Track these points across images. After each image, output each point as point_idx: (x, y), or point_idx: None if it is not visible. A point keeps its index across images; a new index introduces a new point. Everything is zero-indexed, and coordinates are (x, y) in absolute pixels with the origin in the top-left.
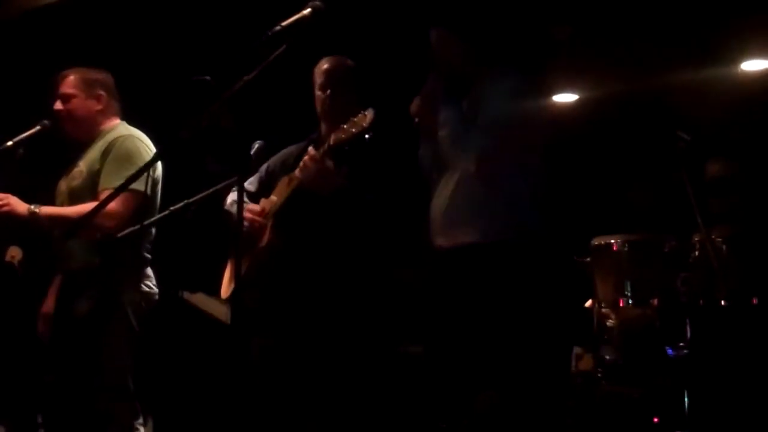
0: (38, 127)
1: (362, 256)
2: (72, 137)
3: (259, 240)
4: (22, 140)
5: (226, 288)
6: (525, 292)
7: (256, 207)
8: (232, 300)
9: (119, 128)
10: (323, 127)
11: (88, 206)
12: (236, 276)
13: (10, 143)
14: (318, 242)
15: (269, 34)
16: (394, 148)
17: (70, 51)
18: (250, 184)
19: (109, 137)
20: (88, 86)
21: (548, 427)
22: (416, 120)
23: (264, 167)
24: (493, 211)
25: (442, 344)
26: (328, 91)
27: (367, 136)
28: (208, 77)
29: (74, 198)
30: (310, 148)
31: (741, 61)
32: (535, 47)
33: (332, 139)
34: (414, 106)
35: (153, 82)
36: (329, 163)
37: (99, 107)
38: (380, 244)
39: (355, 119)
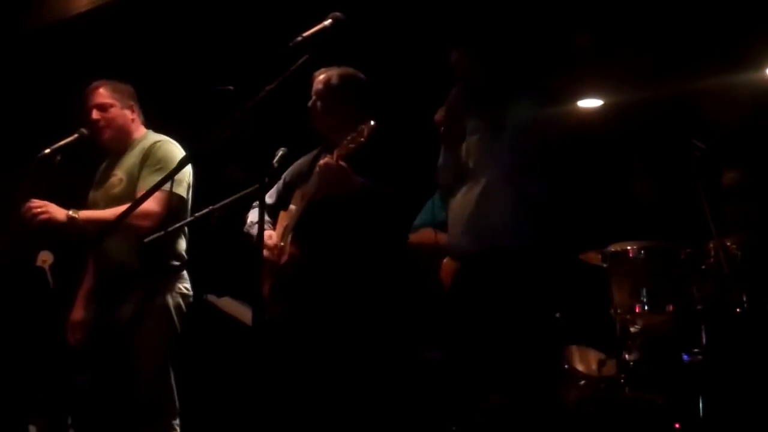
0: (76, 135)
1: (386, 255)
2: (106, 146)
3: (280, 257)
4: (59, 148)
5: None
6: (541, 296)
7: (271, 237)
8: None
9: (150, 135)
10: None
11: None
12: (256, 293)
13: (47, 151)
14: (340, 248)
15: (291, 44)
16: (408, 147)
17: (97, 59)
18: (270, 196)
19: (144, 144)
20: (122, 96)
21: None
22: (440, 129)
23: (281, 180)
24: (513, 217)
25: (460, 347)
26: (315, 103)
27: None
28: (230, 87)
29: (114, 205)
30: (324, 156)
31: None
32: (553, 58)
33: (336, 154)
34: (438, 115)
35: (177, 91)
36: (343, 165)
37: (133, 116)
38: (404, 238)
39: (356, 133)
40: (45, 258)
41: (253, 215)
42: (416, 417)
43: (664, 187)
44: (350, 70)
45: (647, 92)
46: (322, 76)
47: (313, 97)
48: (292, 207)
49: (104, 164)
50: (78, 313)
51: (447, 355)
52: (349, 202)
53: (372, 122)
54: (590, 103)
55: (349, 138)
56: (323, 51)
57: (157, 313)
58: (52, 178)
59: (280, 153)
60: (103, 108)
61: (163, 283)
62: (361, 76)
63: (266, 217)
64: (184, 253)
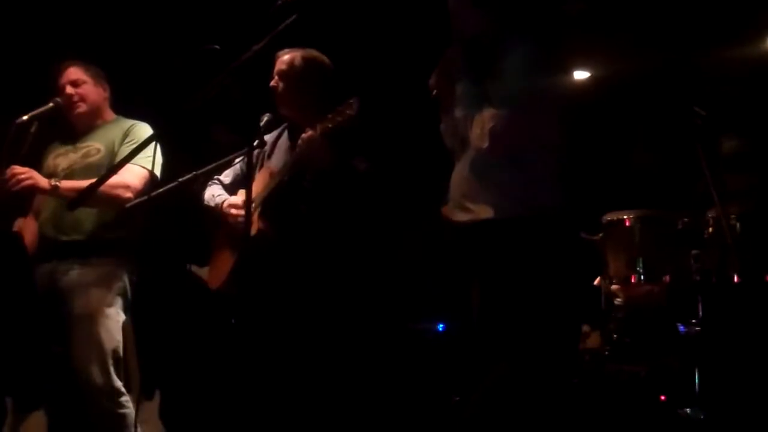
0: (51, 105)
1: (362, 233)
2: (75, 123)
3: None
4: (35, 115)
5: (216, 279)
6: (539, 268)
7: (237, 200)
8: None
9: (123, 119)
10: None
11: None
12: (238, 261)
13: (25, 117)
14: (312, 222)
15: (280, 3)
16: (387, 124)
17: (79, 18)
18: (225, 176)
19: (123, 125)
20: (95, 75)
21: (553, 402)
22: (434, 94)
23: (239, 162)
24: (509, 187)
25: (457, 319)
26: (277, 84)
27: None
28: (217, 46)
29: (91, 173)
30: (307, 129)
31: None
32: (550, 19)
33: (319, 128)
34: (432, 80)
35: (162, 50)
36: (325, 140)
37: (105, 95)
38: (381, 216)
39: (341, 108)
40: (22, 225)
41: (211, 190)
42: (416, 388)
43: (662, 158)
44: (314, 52)
45: (644, 62)
46: (285, 57)
47: (276, 78)
48: (255, 185)
49: (68, 138)
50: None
51: (444, 326)
52: (329, 177)
53: (357, 101)
54: (578, 74)
55: (336, 111)
56: (311, 11)
57: (111, 283)
58: (28, 145)
59: (266, 118)
60: (76, 84)
61: (122, 257)
62: (325, 59)
63: (225, 193)
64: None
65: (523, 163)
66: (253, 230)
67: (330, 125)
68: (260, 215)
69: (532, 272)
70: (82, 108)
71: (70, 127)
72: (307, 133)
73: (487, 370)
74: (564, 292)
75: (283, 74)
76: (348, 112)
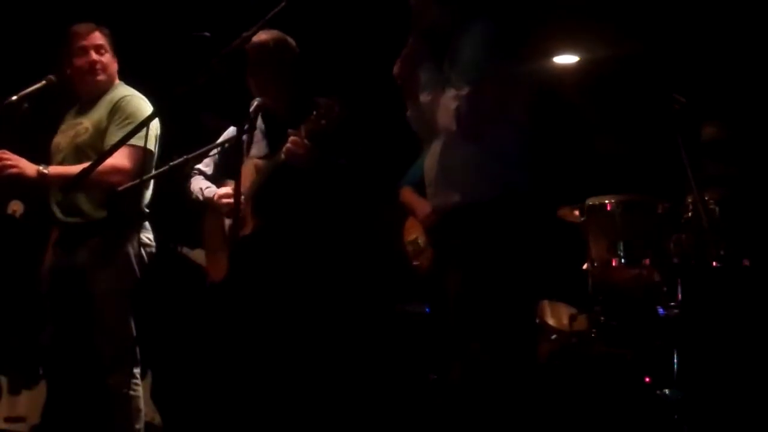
0: (43, 82)
1: (349, 221)
2: (85, 91)
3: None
4: (27, 94)
5: (218, 271)
6: (508, 250)
7: (228, 190)
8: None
9: (120, 88)
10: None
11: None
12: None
13: (14, 97)
14: (305, 217)
15: None
16: (363, 116)
17: (73, 4)
18: (205, 166)
19: (113, 96)
20: (113, 45)
21: (523, 379)
22: (399, 82)
23: (216, 151)
24: (479, 170)
25: (434, 301)
26: (251, 68)
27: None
28: (207, 33)
29: (80, 154)
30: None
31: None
32: (516, 5)
33: (304, 129)
34: (396, 68)
35: (153, 36)
36: (309, 144)
37: (116, 65)
38: (361, 205)
39: (324, 110)
40: (15, 207)
41: (196, 182)
42: (394, 366)
43: (622, 141)
44: (281, 34)
45: (625, 48)
46: (256, 41)
47: (250, 62)
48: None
49: (73, 111)
50: (46, 263)
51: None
52: (311, 174)
53: (338, 103)
54: (566, 59)
55: (318, 113)
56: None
57: (116, 261)
58: (19, 125)
59: (255, 103)
60: (99, 50)
61: (124, 233)
62: (291, 40)
63: (212, 185)
64: (147, 203)
65: (492, 145)
66: (249, 228)
67: (313, 127)
68: (252, 211)
69: (501, 254)
70: (102, 77)
71: (75, 97)
72: (292, 138)
73: (462, 351)
74: (531, 271)
75: (254, 58)
76: (332, 114)
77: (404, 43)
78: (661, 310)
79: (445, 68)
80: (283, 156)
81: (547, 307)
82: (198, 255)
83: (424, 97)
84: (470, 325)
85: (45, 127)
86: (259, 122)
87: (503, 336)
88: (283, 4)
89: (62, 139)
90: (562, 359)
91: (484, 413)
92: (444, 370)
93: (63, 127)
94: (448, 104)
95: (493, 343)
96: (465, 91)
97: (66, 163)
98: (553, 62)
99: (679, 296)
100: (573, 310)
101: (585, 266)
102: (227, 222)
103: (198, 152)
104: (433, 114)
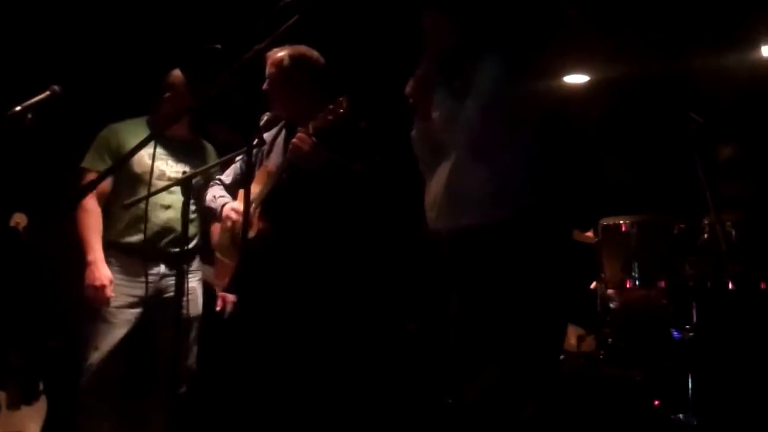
0: (48, 93)
1: (358, 230)
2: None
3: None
4: (31, 105)
5: (221, 280)
6: (523, 271)
7: (236, 205)
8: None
9: None
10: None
11: None
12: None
13: (18, 108)
14: (312, 222)
15: (282, 4)
16: (379, 124)
17: (79, 15)
18: (226, 176)
19: None
20: None
21: (542, 404)
22: (411, 101)
23: (239, 160)
24: (489, 192)
25: (447, 324)
26: (269, 87)
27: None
28: (218, 46)
29: None
30: (299, 130)
31: (761, 45)
32: (527, 29)
33: (311, 127)
34: (408, 87)
35: (165, 50)
36: (315, 140)
37: None
38: (375, 214)
39: (331, 106)
40: (19, 219)
41: (212, 191)
42: (409, 389)
43: (634, 165)
44: (301, 48)
45: (640, 67)
46: (273, 58)
47: (267, 80)
48: (254, 184)
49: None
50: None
51: (434, 331)
52: (319, 178)
53: (347, 98)
54: (576, 78)
55: (324, 111)
56: (314, 12)
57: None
58: (23, 137)
59: (266, 117)
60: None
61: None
62: (313, 53)
63: (226, 195)
64: None
65: (502, 166)
66: (254, 231)
67: (321, 124)
68: (260, 215)
69: (516, 275)
70: None
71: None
72: (298, 134)
73: (478, 374)
74: (547, 293)
75: (272, 77)
76: (338, 110)
77: (418, 56)
78: (675, 333)
79: (457, 88)
80: (288, 153)
81: None
82: (206, 271)
83: (436, 113)
84: (484, 348)
85: (53, 140)
86: (282, 136)
87: (529, 357)
88: (296, 17)
89: None
90: (569, 380)
91: None
92: (459, 393)
93: None
94: (466, 127)
95: (514, 366)
96: (480, 117)
97: None
98: (563, 82)
99: (694, 319)
100: (581, 331)
101: (593, 286)
102: (234, 233)
103: (207, 166)
104: (443, 129)
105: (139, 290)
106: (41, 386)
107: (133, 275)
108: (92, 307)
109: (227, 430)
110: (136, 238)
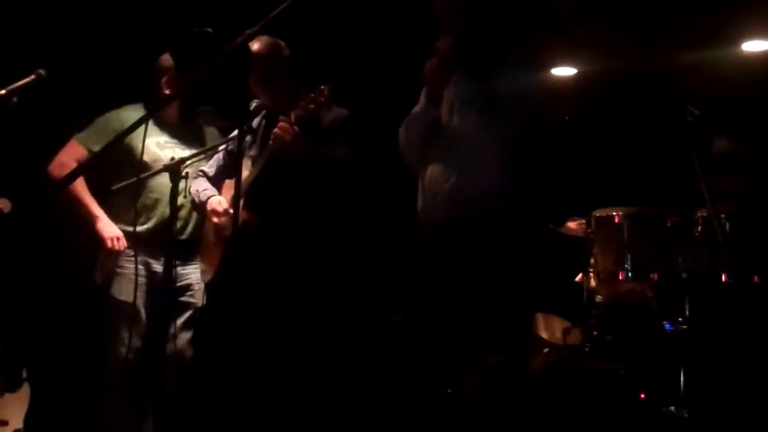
0: (33, 77)
1: (341, 219)
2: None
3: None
4: (16, 89)
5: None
6: (505, 261)
7: (221, 203)
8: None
9: None
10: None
11: None
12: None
13: (3, 91)
14: (295, 212)
15: None
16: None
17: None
18: (209, 167)
19: None
20: None
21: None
22: (427, 81)
23: (222, 150)
24: (511, 185)
25: (447, 312)
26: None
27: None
28: (209, 29)
29: None
30: (281, 119)
31: (742, 41)
32: (538, 15)
33: (293, 116)
34: (428, 67)
35: (154, 33)
36: (297, 129)
37: None
38: (358, 203)
39: (312, 95)
40: (2, 205)
41: (196, 184)
42: (408, 381)
43: (634, 159)
44: (272, 39)
45: (631, 59)
46: (253, 49)
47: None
48: (243, 174)
49: None
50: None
51: (432, 319)
52: (302, 167)
53: (329, 87)
54: (564, 71)
55: (306, 100)
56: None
57: None
58: (7, 120)
59: (255, 103)
60: None
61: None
62: (283, 44)
63: (210, 187)
64: None
65: (520, 166)
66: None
67: (302, 112)
68: (243, 206)
69: (499, 265)
70: None
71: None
72: (280, 123)
73: (477, 365)
74: (527, 283)
75: (253, 66)
76: (320, 99)
77: (413, 44)
78: (668, 326)
79: (482, 88)
80: (270, 142)
81: (540, 320)
82: None
83: (455, 100)
84: (483, 335)
85: (38, 123)
86: (263, 125)
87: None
88: (288, 2)
89: None
90: (555, 373)
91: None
92: (457, 384)
93: None
94: (491, 125)
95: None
96: (510, 118)
97: None
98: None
99: (687, 312)
100: (567, 324)
101: (578, 278)
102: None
103: (197, 152)
104: (464, 123)
105: (150, 281)
106: (24, 374)
107: (143, 265)
108: (109, 271)
109: (212, 421)
110: (144, 228)
